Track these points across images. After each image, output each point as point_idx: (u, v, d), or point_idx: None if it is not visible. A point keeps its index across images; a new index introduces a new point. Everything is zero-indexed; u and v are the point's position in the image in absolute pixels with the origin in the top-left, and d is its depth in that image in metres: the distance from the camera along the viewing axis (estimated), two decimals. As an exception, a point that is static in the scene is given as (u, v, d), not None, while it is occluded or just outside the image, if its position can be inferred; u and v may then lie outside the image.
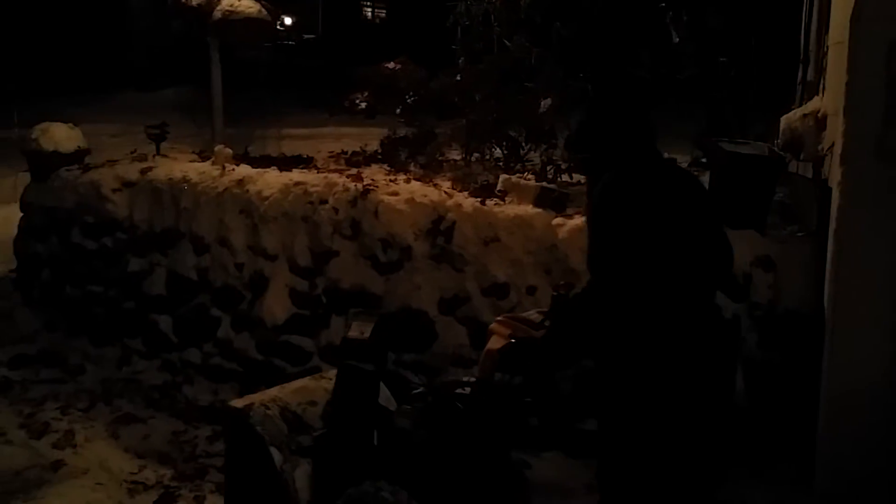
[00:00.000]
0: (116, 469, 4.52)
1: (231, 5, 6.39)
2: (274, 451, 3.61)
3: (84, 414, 5.14)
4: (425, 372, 4.73)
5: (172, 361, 5.57)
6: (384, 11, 30.19)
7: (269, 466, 3.62)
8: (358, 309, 4.67)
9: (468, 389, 3.17)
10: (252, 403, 3.74)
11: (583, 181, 5.69)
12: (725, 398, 2.95)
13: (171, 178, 5.80)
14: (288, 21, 22.34)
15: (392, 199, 4.97)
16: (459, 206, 4.84)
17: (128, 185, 6.00)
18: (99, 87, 15.19)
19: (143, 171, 5.99)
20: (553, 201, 4.74)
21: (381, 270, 4.96)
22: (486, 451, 3.22)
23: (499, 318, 3.20)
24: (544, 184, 5.02)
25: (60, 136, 6.66)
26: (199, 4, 6.50)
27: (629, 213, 2.69)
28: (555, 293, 3.09)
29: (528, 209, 4.72)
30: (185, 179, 5.72)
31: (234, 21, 6.42)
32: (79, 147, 6.70)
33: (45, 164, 6.59)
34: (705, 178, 5.00)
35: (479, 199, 4.88)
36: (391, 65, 6.44)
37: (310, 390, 3.90)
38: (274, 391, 3.93)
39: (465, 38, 6.12)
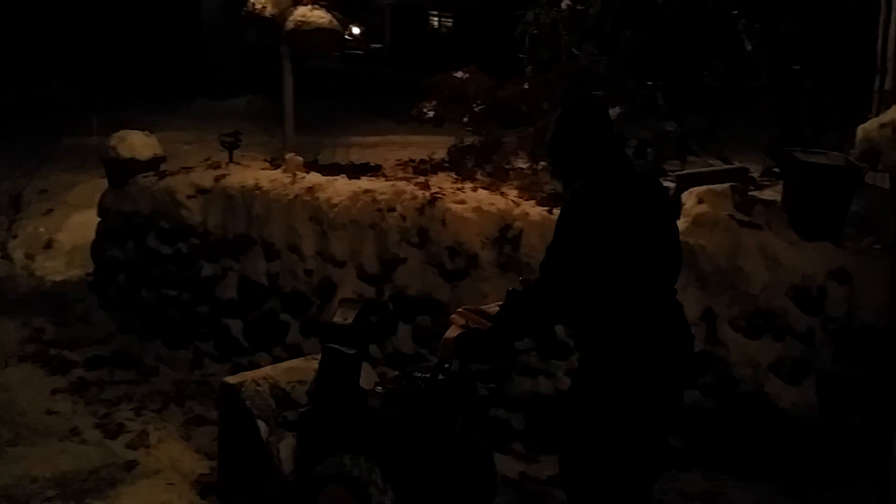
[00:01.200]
0: (188, 470, 4.59)
1: (303, 16, 6.50)
2: (261, 424, 3.97)
3: (157, 415, 5.26)
4: (490, 380, 4.73)
5: (243, 365, 5.66)
6: (451, 21, 30.34)
7: (256, 438, 3.98)
8: (349, 297, 4.73)
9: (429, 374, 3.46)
10: (245, 380, 4.12)
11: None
12: (678, 396, 3.13)
13: (243, 186, 5.92)
14: (356, 31, 22.59)
15: (459, 207, 4.99)
16: (526, 214, 4.84)
17: (202, 191, 6.13)
18: (174, 95, 15.55)
19: (217, 179, 6.12)
20: (621, 210, 4.70)
21: (447, 278, 4.98)
22: (443, 428, 3.51)
23: (459, 310, 3.39)
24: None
25: (137, 143, 6.84)
26: (272, 15, 6.62)
27: (590, 223, 2.90)
28: (510, 289, 3.27)
29: (597, 218, 4.68)
30: (257, 187, 5.83)
31: (306, 31, 6.53)
32: (155, 154, 6.87)
33: (122, 170, 6.78)
34: (778, 189, 4.94)
35: (546, 208, 4.87)
36: (459, 74, 6.48)
37: (300, 370, 4.24)
38: (267, 369, 4.33)
39: (532, 47, 6.13)
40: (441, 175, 5.83)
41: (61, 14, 22.03)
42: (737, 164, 5.45)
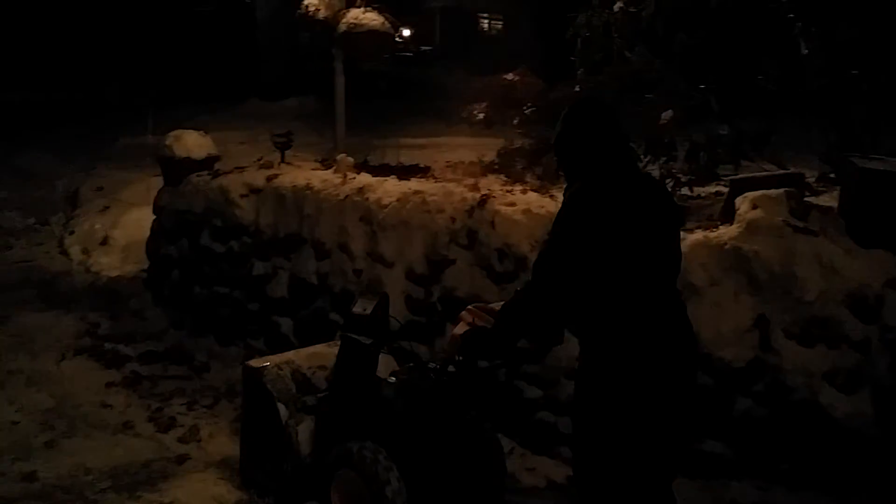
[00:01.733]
0: (238, 465, 4.65)
1: (356, 18, 6.56)
2: (281, 407, 4.16)
3: (209, 410, 5.34)
4: (542, 384, 4.72)
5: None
6: (501, 23, 30.29)
7: (275, 420, 4.16)
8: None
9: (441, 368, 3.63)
10: (267, 364, 4.30)
11: (703, 194, 5.62)
12: (682, 396, 3.10)
13: (295, 185, 5.98)
14: (406, 33, 22.69)
15: (509, 209, 4.99)
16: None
17: (254, 191, 6.21)
18: (228, 96, 15.77)
19: (269, 178, 6.19)
20: (673, 215, 4.66)
21: (496, 280, 4.98)
22: (451, 418, 3.71)
23: (468, 307, 3.48)
24: (664, 197, 4.93)
25: (192, 143, 6.96)
26: (325, 18, 6.70)
27: (583, 226, 2.95)
28: (518, 289, 3.33)
29: (648, 222, 4.65)
30: (308, 186, 5.89)
31: (358, 33, 6.59)
32: (209, 154, 6.99)
33: (177, 169, 6.90)
34: (834, 195, 4.85)
35: (597, 211, 4.84)
36: (509, 76, 6.47)
37: (322, 356, 4.38)
38: (290, 354, 4.49)
39: (584, 50, 6.09)
40: (491, 177, 5.83)
41: (121, 17, 22.47)
42: (792, 170, 5.37)
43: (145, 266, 7.35)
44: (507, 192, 5.26)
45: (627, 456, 3.01)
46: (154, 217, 7.16)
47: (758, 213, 4.45)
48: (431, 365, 3.75)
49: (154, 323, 6.69)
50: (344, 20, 6.71)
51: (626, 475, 3.03)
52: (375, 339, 3.90)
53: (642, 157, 5.77)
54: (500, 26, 30.23)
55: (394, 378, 3.86)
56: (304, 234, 5.84)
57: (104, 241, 8.49)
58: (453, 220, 5.13)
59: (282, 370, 4.29)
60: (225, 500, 4.32)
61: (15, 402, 5.32)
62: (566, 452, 4.66)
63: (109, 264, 8.01)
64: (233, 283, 6.28)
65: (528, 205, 4.99)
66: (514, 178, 5.68)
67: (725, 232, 4.49)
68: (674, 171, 5.52)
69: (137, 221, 8.18)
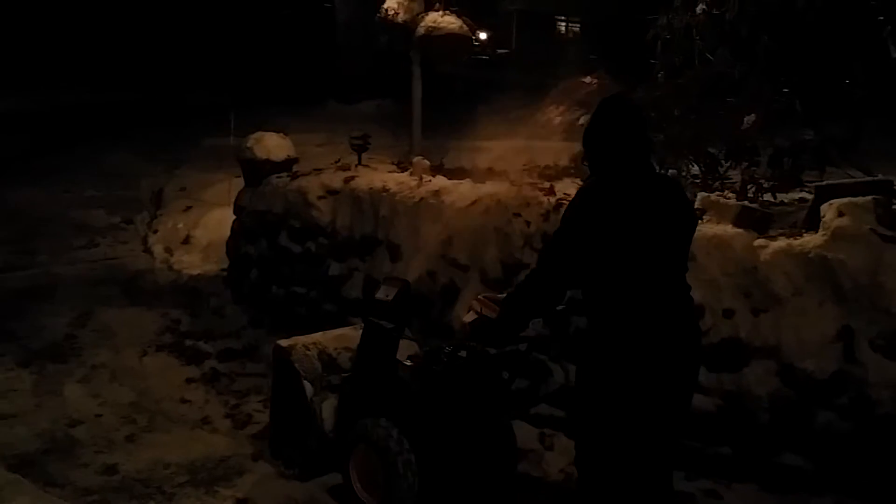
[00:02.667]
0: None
1: (434, 21, 6.58)
2: (307, 384, 4.46)
3: (284, 408, 5.41)
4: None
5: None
6: (578, 26, 30.07)
7: (301, 397, 4.47)
8: (393, 276, 4.91)
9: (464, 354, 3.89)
10: (295, 344, 4.58)
11: (786, 201, 5.48)
12: (680, 390, 3.24)
13: (371, 188, 6.03)
14: (483, 36, 22.70)
15: (585, 214, 4.93)
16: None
17: (332, 192, 6.28)
18: (307, 98, 15.99)
19: (346, 180, 6.26)
20: (755, 221, 4.56)
21: (571, 285, 4.93)
22: (462, 401, 3.92)
23: (478, 297, 3.63)
24: (746, 203, 4.83)
25: (272, 144, 7.07)
26: (404, 21, 6.74)
27: (586, 220, 3.12)
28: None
29: (728, 229, 4.56)
30: (384, 189, 5.93)
31: (436, 36, 6.60)
32: (288, 156, 7.09)
33: (257, 170, 7.02)
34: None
35: (672, 217, 4.76)
36: (587, 79, 6.41)
37: (348, 338, 4.62)
38: (317, 336, 4.72)
39: (664, 52, 5.99)
40: (566, 181, 5.77)
41: (208, 21, 23.02)
42: (880, 176, 5.18)
43: (225, 265, 7.49)
44: (583, 196, 5.20)
45: (622, 439, 3.15)
46: (234, 217, 7.30)
47: (844, 220, 4.32)
48: (446, 349, 3.96)
49: (233, 321, 6.81)
50: (422, 23, 6.73)
51: (620, 458, 3.18)
52: (396, 324, 4.14)
53: (723, 162, 5.65)
54: (577, 29, 30.04)
55: (410, 361, 4.08)
56: (380, 236, 5.88)
57: (186, 240, 8.68)
58: (528, 224, 5.10)
59: (309, 350, 4.56)
60: (297, 498, 4.36)
61: (98, 396, 5.48)
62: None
63: (191, 263, 8.18)
64: (309, 283, 6.36)
65: (605, 209, 4.92)
66: (590, 183, 5.61)
67: (810, 240, 4.37)
68: (756, 176, 5.39)
69: (218, 221, 8.34)
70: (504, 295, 3.53)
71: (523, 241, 5.10)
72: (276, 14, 23.56)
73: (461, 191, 5.59)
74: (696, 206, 4.85)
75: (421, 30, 6.72)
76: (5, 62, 22.09)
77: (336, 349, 4.59)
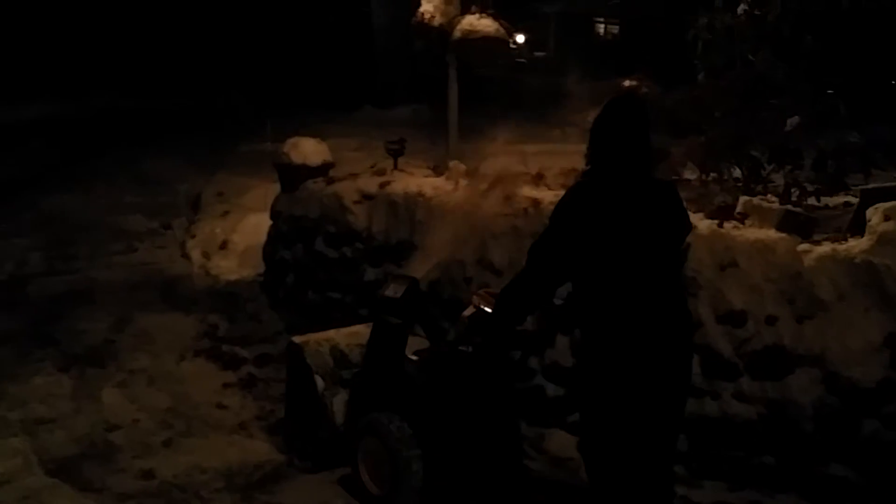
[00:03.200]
0: (346, 470, 4.68)
1: (471, 25, 6.54)
2: (318, 379, 4.64)
3: (319, 414, 5.39)
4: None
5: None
6: (617, 27, 29.89)
7: (313, 391, 4.64)
8: (401, 273, 4.92)
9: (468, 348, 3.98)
10: (308, 340, 4.79)
11: (831, 205, 5.36)
12: (671, 387, 3.30)
13: (407, 192, 6.00)
14: (520, 39, 22.61)
15: (624, 218, 4.86)
16: (694, 227, 4.66)
17: (367, 197, 6.27)
18: (343, 103, 16.04)
19: (382, 185, 6.24)
20: (799, 226, 4.47)
21: (609, 291, 4.86)
22: (465, 394, 4.06)
23: (478, 292, 3.82)
24: (789, 207, 4.74)
25: (308, 149, 7.07)
26: (440, 25, 6.71)
27: (572, 218, 3.21)
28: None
29: (771, 233, 4.47)
30: (420, 193, 5.90)
31: (473, 40, 6.56)
32: (324, 161, 7.09)
33: (293, 175, 7.03)
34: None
35: (716, 221, 4.69)
36: (626, 81, 6.33)
37: (360, 335, 4.74)
38: (331, 332, 4.92)
39: (705, 54, 5.90)
40: (605, 185, 5.70)
41: (241, 27, 23.22)
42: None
43: (262, 270, 7.51)
44: (622, 200, 5.13)
45: (619, 431, 3.25)
46: (271, 222, 7.31)
47: (890, 224, 4.21)
48: (449, 344, 4.09)
49: (269, 326, 6.82)
50: (458, 27, 6.70)
51: (620, 448, 3.28)
52: (404, 321, 4.25)
53: (766, 165, 5.55)
54: (616, 30, 29.85)
55: (416, 356, 4.24)
56: (416, 241, 5.84)
57: (223, 246, 8.71)
58: (566, 228, 5.03)
59: (321, 346, 4.75)
60: (332, 505, 4.35)
61: (136, 401, 5.51)
62: (681, 470, 4.50)
63: (228, 268, 8.21)
64: (345, 288, 6.34)
65: (644, 214, 4.85)
66: (629, 187, 5.53)
67: (855, 245, 4.27)
68: (800, 179, 5.29)
69: (255, 226, 8.37)
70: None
71: (560, 245, 5.03)
72: (313, 20, 23.69)
73: (497, 195, 5.53)
74: (738, 211, 4.78)
75: (457, 33, 6.69)
76: (45, 68, 22.49)
77: (348, 345, 4.76)
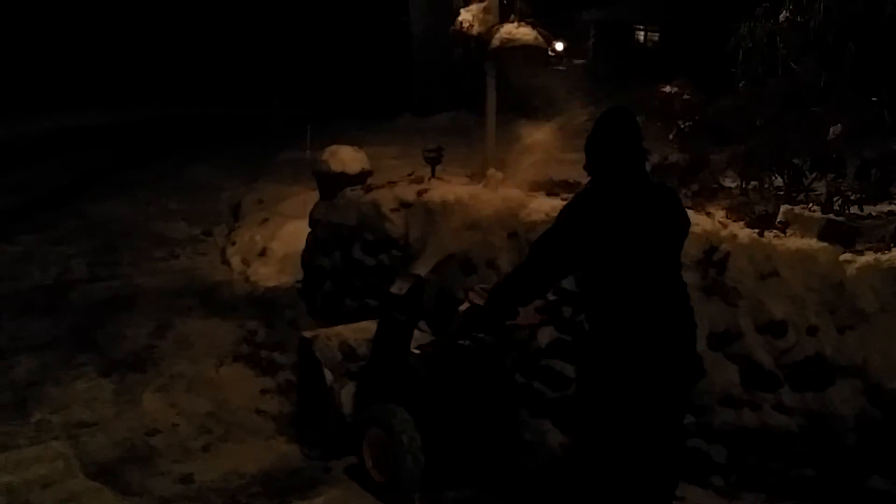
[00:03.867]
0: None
1: (509, 33, 6.53)
2: (327, 372, 4.84)
3: (355, 421, 5.41)
4: (693, 411, 4.53)
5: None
6: (657, 35, 29.70)
7: (322, 384, 4.84)
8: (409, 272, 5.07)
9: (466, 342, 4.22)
10: (318, 335, 5.01)
11: (874, 214, 5.27)
12: (673, 393, 3.45)
13: (444, 200, 6.00)
14: (559, 46, 22.54)
15: (662, 227, 4.82)
16: (734, 236, 4.62)
17: (405, 205, 6.28)
18: (382, 111, 16.12)
19: (419, 193, 6.24)
20: (841, 235, 4.40)
21: (647, 300, 4.82)
22: (462, 385, 4.31)
23: (474, 287, 3.97)
24: (831, 216, 4.67)
25: (347, 157, 7.12)
26: (479, 33, 6.70)
27: (579, 221, 3.40)
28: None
29: (812, 243, 4.41)
30: (457, 201, 5.90)
31: (512, 48, 6.55)
32: (363, 168, 7.12)
33: (332, 183, 7.07)
34: None
35: (756, 230, 4.64)
36: (666, 88, 6.28)
37: (368, 330, 4.95)
38: (340, 328, 5.14)
39: (746, 61, 5.84)
40: (643, 193, 5.66)
41: (283, 37, 23.47)
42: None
43: (300, 277, 7.56)
44: (661, 208, 5.10)
45: (619, 432, 3.38)
46: (309, 230, 7.36)
47: (936, 234, 4.14)
48: (447, 339, 4.24)
49: (307, 333, 6.85)
50: (497, 35, 6.68)
51: (618, 453, 3.40)
52: (409, 317, 4.44)
53: (807, 173, 5.47)
54: (656, 38, 29.66)
55: (418, 350, 4.39)
56: (453, 249, 5.84)
57: (263, 253, 8.78)
58: (603, 237, 5.00)
59: (330, 341, 4.95)
60: (369, 512, 4.37)
61: (176, 406, 5.58)
62: (719, 482, 4.46)
63: (267, 275, 8.27)
64: (382, 296, 6.34)
65: (683, 223, 4.82)
66: (668, 195, 5.48)
67: (899, 254, 4.20)
68: (842, 188, 5.20)
69: (294, 234, 8.42)
70: None
71: (598, 254, 5.00)
72: (352, 30, 23.86)
73: (535, 204, 5.52)
74: (779, 220, 4.72)
75: (496, 41, 6.68)
76: (93, 78, 22.91)
77: (356, 340, 4.95)
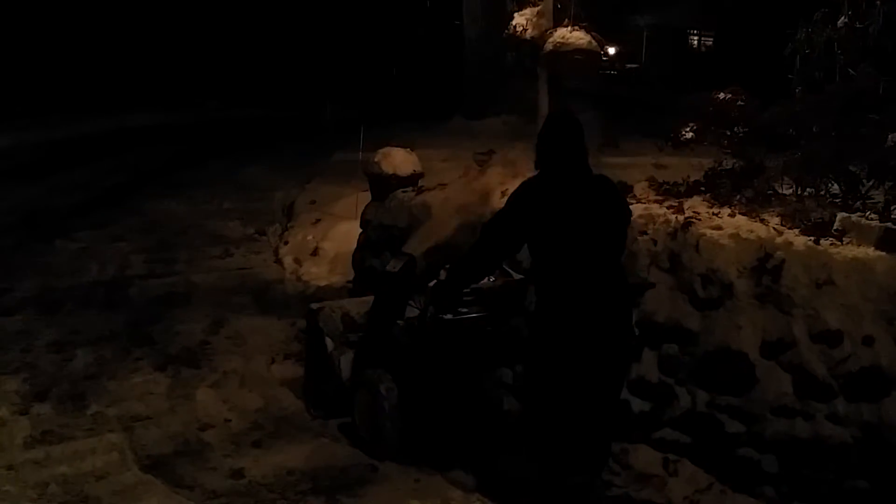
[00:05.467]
0: (425, 475, 4.75)
1: (563, 37, 6.55)
2: (328, 340, 5.36)
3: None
4: (743, 418, 4.49)
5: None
6: (711, 40, 29.38)
7: (323, 351, 5.37)
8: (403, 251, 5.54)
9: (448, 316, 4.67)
10: (323, 307, 5.56)
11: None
12: (605, 360, 4.00)
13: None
14: (612, 51, 22.42)
15: (715, 233, 4.79)
16: (789, 244, 4.56)
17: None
18: (434, 114, 16.17)
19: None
20: (900, 244, 4.32)
21: (698, 306, 4.78)
22: (436, 355, 4.79)
23: (446, 266, 4.48)
24: (889, 224, 4.58)
25: (399, 160, 7.17)
26: (532, 37, 6.75)
27: (520, 206, 3.96)
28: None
29: (870, 251, 4.34)
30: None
31: (564, 52, 6.56)
32: (414, 171, 7.17)
33: (384, 185, 7.13)
34: None
35: (811, 238, 4.57)
36: (721, 94, 6.23)
37: (369, 303, 5.30)
38: (344, 301, 5.81)
39: (804, 68, 5.77)
40: (695, 199, 5.61)
41: (339, 41, 23.70)
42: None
43: (351, 277, 7.62)
44: (714, 214, 5.06)
45: (557, 391, 3.96)
46: (361, 230, 7.43)
47: None
48: (429, 312, 4.63)
49: (356, 333, 6.91)
50: (550, 39, 6.72)
51: (557, 410, 3.99)
52: (400, 292, 4.88)
53: (865, 181, 5.38)
54: (710, 43, 29.35)
55: (402, 322, 4.84)
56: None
57: (315, 252, 8.87)
58: (655, 242, 4.99)
59: (334, 312, 5.47)
60: (416, 508, 4.39)
61: (228, 401, 5.66)
62: (770, 492, 4.41)
63: (318, 274, 8.36)
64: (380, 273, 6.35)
65: (737, 229, 4.78)
66: (722, 201, 5.44)
67: (959, 264, 4.11)
68: (901, 197, 5.10)
69: (346, 234, 8.51)
70: None
71: (649, 259, 4.98)
72: (406, 34, 24.00)
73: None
74: (835, 227, 4.66)
75: (549, 46, 6.70)
76: (152, 80, 23.36)
77: (357, 312, 5.41)
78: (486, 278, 4.68)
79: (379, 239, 7.00)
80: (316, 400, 5.53)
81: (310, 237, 9.30)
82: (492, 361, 5.19)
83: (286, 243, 9.48)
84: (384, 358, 4.95)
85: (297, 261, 8.86)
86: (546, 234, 3.87)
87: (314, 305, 5.59)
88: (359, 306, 5.46)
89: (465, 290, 4.55)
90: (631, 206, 5.31)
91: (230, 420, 5.42)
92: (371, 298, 5.35)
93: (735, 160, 5.91)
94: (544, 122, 4.11)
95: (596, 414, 4.06)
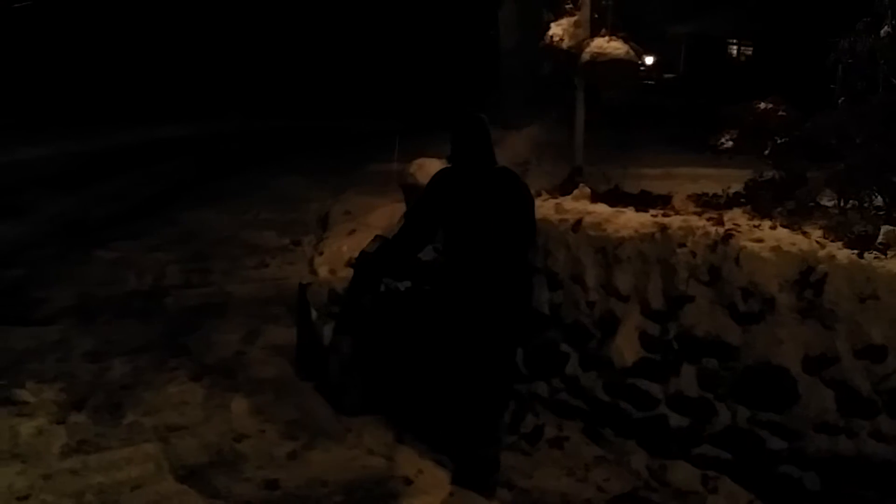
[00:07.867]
0: (460, 491, 4.72)
1: (600, 47, 6.46)
2: (313, 311, 6.03)
3: (438, 434, 5.42)
4: (784, 435, 4.40)
5: (521, 392, 5.70)
6: (750, 49, 29.13)
7: (309, 321, 6.08)
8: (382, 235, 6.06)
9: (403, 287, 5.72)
10: (312, 283, 6.23)
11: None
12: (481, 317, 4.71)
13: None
14: (649, 60, 22.30)
15: (756, 245, 4.71)
16: (832, 257, 4.47)
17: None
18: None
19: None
20: (946, 258, 4.21)
21: (739, 320, 4.71)
22: (395, 319, 5.58)
23: (377, 235, 5.67)
24: (936, 237, 4.47)
25: (433, 170, 7.11)
26: (569, 47, 6.66)
27: (431, 192, 4.84)
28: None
29: (915, 265, 4.23)
30: (543, 217, 5.85)
31: (602, 62, 6.48)
32: (449, 182, 7.13)
33: (418, 195, 7.10)
34: None
35: (855, 251, 4.48)
36: (761, 104, 6.13)
37: None
38: (332, 278, 6.23)
39: (846, 77, 5.66)
40: (735, 211, 5.53)
41: (373, 52, 23.82)
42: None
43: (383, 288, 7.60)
44: (755, 227, 4.99)
45: (445, 334, 4.84)
46: (395, 241, 7.41)
47: None
48: (391, 285, 5.56)
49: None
50: (587, 49, 6.62)
51: (445, 349, 4.84)
52: (374, 270, 5.45)
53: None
54: (749, 52, 29.09)
55: (369, 296, 5.56)
56: (538, 264, 5.80)
57: (349, 263, 8.85)
58: (694, 254, 4.92)
59: (321, 287, 6.11)
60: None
61: (263, 412, 5.66)
62: (812, 511, 4.32)
63: (353, 285, 8.34)
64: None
65: (778, 241, 4.70)
66: (763, 213, 5.35)
67: None
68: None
69: (379, 244, 8.49)
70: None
71: (688, 272, 4.92)
72: (441, 44, 24.05)
73: (623, 219, 5.44)
74: (879, 241, 4.56)
75: (586, 55, 6.62)
76: (186, 92, 23.65)
77: (342, 288, 5.97)
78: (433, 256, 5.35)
79: (414, 250, 7.00)
80: (305, 366, 6.18)
81: (345, 247, 9.24)
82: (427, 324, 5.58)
83: (321, 253, 9.44)
84: (353, 325, 5.66)
85: (332, 271, 8.81)
86: (448, 215, 4.69)
87: (304, 282, 6.28)
88: (345, 283, 6.00)
89: (412, 266, 5.44)
90: (669, 218, 5.30)
91: (265, 431, 5.43)
92: None
93: (776, 171, 5.82)
94: (454, 123, 4.91)
95: (473, 373, 4.73)
